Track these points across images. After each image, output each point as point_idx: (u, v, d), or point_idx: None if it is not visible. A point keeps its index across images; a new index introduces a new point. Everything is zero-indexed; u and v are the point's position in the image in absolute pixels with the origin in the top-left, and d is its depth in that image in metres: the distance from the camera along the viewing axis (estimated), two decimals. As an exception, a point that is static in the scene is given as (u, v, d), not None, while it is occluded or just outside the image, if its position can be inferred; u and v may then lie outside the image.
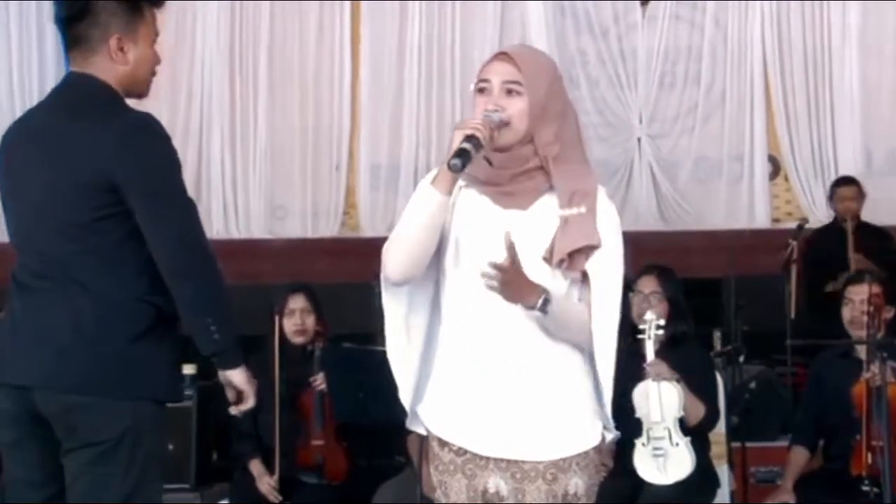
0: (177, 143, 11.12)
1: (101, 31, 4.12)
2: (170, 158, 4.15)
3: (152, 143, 4.12)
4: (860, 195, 9.50)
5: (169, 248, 4.06)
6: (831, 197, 9.61)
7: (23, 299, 4.14)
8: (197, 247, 4.14)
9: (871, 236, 9.32)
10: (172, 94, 11.08)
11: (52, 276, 4.09)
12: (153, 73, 4.30)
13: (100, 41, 4.12)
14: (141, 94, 4.28)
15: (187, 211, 4.14)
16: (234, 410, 4.35)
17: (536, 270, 3.36)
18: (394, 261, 3.40)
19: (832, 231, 9.30)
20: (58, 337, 4.04)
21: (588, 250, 3.36)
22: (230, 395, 4.30)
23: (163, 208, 4.07)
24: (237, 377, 4.27)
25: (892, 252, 9.09)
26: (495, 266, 3.25)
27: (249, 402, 4.31)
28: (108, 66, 4.14)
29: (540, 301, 3.31)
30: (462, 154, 3.24)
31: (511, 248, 3.26)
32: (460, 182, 3.41)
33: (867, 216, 10.14)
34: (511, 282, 3.28)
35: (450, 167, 3.25)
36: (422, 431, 3.57)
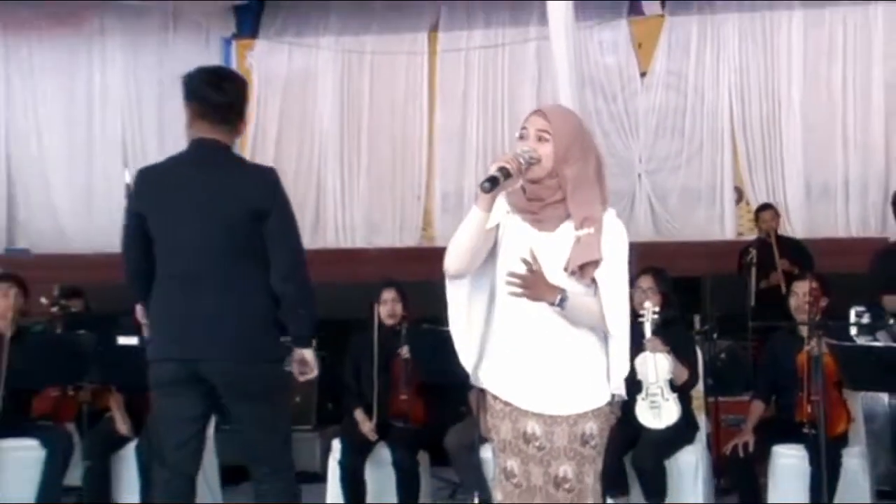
0: (301, 176, 11.17)
1: (239, 116, 4.46)
2: (287, 195, 4.44)
3: (280, 185, 4.41)
4: (776, 216, 9.53)
5: (287, 257, 4.33)
6: (756, 219, 9.60)
7: (185, 296, 4.30)
8: (302, 258, 4.41)
9: (790, 245, 9.31)
10: (299, 141, 11.17)
11: (209, 279, 4.28)
12: None
13: (237, 121, 4.45)
14: None
15: (298, 233, 4.43)
16: (301, 378, 4.56)
17: (560, 277, 3.38)
18: (449, 257, 3.45)
19: (761, 243, 9.24)
20: (218, 322, 4.24)
21: (594, 264, 3.36)
22: (297, 367, 4.51)
23: (288, 229, 4.35)
24: (308, 354, 4.51)
25: (807, 255, 9.04)
26: (514, 275, 3.31)
27: (314, 373, 4.55)
28: (232, 136, 4.46)
29: (557, 299, 3.33)
30: (492, 179, 3.28)
31: (533, 262, 3.32)
32: (507, 209, 3.45)
33: (808, 232, 10.15)
34: (532, 287, 3.31)
35: (481, 187, 3.30)
36: (482, 386, 3.59)
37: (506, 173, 3.29)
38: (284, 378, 4.52)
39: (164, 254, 4.36)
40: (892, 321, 6.71)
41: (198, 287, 4.29)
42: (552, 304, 3.34)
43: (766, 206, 9.66)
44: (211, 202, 4.31)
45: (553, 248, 3.38)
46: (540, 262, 3.37)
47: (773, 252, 9.12)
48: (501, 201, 3.43)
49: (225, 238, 4.31)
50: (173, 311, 4.34)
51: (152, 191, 4.44)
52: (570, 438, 3.40)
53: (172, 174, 4.46)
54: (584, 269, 3.36)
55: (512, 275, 3.33)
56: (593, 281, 3.39)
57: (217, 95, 4.43)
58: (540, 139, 3.42)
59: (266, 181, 4.42)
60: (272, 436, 4.46)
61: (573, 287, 3.38)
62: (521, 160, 3.34)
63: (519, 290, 3.33)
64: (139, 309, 6.65)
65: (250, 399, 4.34)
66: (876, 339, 6.51)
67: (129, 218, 4.50)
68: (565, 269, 3.37)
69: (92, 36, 11.92)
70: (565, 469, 3.40)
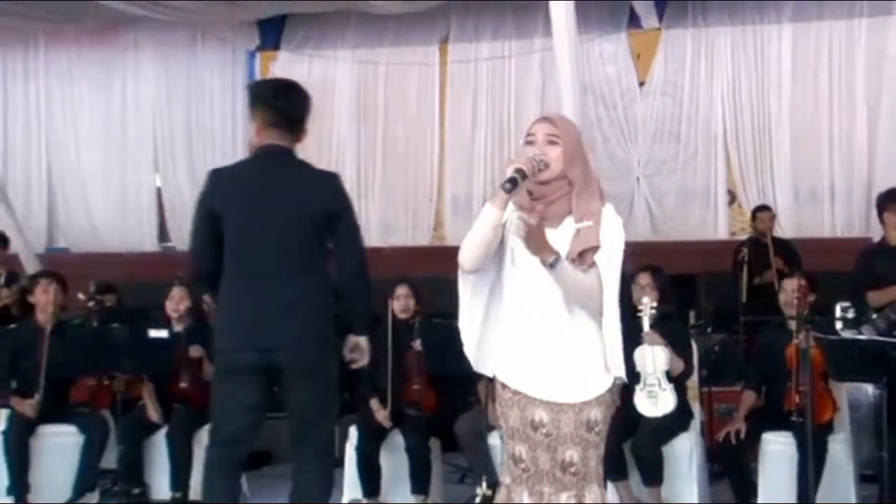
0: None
1: (302, 125, 4.53)
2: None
3: (345, 188, 4.55)
4: (772, 217, 9.51)
5: (357, 256, 4.47)
6: (753, 219, 9.57)
7: (259, 291, 4.36)
8: (366, 257, 4.54)
9: (781, 245, 9.28)
10: (318, 144, 11.16)
11: (281, 276, 4.37)
12: None
13: (300, 130, 4.51)
14: None
15: (361, 234, 4.57)
16: (355, 365, 4.65)
17: None
18: (465, 253, 3.43)
19: (756, 242, 9.23)
20: (291, 315, 4.34)
21: (592, 250, 3.36)
22: (349, 354, 4.63)
23: (355, 231, 4.50)
24: (364, 341, 4.60)
25: (796, 254, 9.04)
26: (522, 219, 3.31)
27: (366, 360, 4.65)
28: (294, 143, 4.50)
29: (552, 259, 3.32)
30: (512, 181, 3.27)
31: (538, 215, 3.29)
32: (512, 207, 3.43)
33: (797, 233, 10.14)
34: (534, 237, 3.31)
35: (503, 188, 3.28)
36: (489, 375, 3.58)
37: (522, 174, 3.30)
38: (338, 366, 4.60)
39: (238, 251, 4.42)
40: (874, 316, 6.69)
41: (271, 282, 4.36)
42: (545, 262, 3.33)
43: (763, 208, 9.63)
44: (285, 204, 4.39)
45: (556, 243, 3.38)
46: None
47: (765, 251, 9.11)
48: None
49: (296, 237, 4.40)
50: (248, 305, 4.39)
51: (227, 192, 4.49)
52: (575, 425, 3.40)
53: (245, 177, 4.53)
54: (583, 256, 3.36)
55: (520, 219, 3.33)
56: (591, 266, 3.38)
57: (288, 106, 4.51)
58: (550, 143, 3.43)
59: (334, 185, 4.53)
60: (327, 420, 4.59)
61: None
62: (534, 163, 3.35)
63: (523, 235, 3.33)
64: (168, 304, 6.74)
65: (315, 385, 4.43)
66: (860, 333, 6.48)
67: (202, 217, 4.49)
68: (567, 257, 3.37)
69: (126, 50, 12.01)
70: (571, 454, 3.39)
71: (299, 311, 4.36)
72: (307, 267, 4.41)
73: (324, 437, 4.56)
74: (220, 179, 4.55)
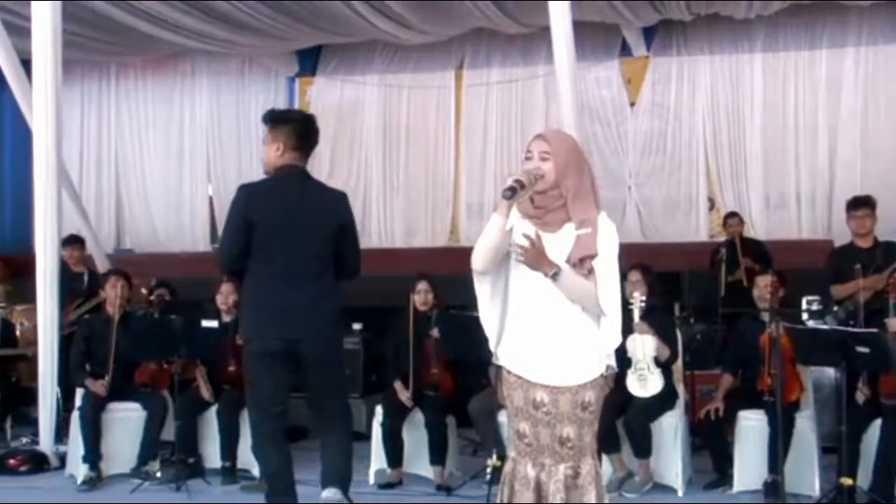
0: (350, 189, 11.01)
1: (313, 150, 4.69)
2: None
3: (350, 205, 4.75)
4: (741, 222, 9.44)
5: (357, 259, 4.64)
6: (724, 224, 9.52)
7: (287, 289, 4.44)
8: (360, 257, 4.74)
9: (751, 245, 9.20)
10: (349, 160, 11.16)
11: (305, 277, 4.46)
12: None
13: (311, 154, 4.66)
14: None
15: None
16: None
17: (563, 268, 3.33)
18: (476, 257, 3.40)
19: (732, 244, 9.16)
20: (313, 311, 4.46)
21: (591, 256, 3.33)
22: None
23: (357, 238, 4.69)
24: None
25: (767, 254, 8.93)
26: (519, 246, 3.28)
27: None
28: (306, 163, 4.61)
29: (552, 272, 3.29)
30: (511, 189, 3.26)
31: (536, 240, 3.28)
32: (518, 215, 3.41)
33: (768, 235, 10.09)
34: (533, 257, 3.28)
35: (503, 195, 3.27)
36: (499, 363, 3.54)
37: (520, 185, 3.28)
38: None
39: (271, 255, 4.49)
40: (836, 308, 6.68)
41: (296, 282, 4.44)
42: (546, 275, 3.30)
43: (732, 214, 9.60)
44: (310, 216, 4.50)
45: (556, 245, 3.35)
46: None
47: (737, 252, 9.05)
48: (513, 209, 3.40)
49: (318, 244, 4.50)
50: (277, 301, 4.45)
51: (262, 204, 4.55)
52: (572, 405, 3.37)
53: (276, 192, 4.59)
54: (583, 261, 3.33)
55: (517, 245, 3.31)
56: (590, 271, 3.35)
57: (312, 134, 4.66)
58: (543, 159, 3.40)
59: (345, 201, 4.71)
60: (342, 393, 4.78)
61: (574, 274, 3.35)
62: (531, 175, 3.33)
63: (522, 258, 3.30)
64: (218, 298, 6.76)
65: (332, 369, 4.57)
66: (823, 323, 6.48)
67: (239, 226, 4.52)
68: (567, 261, 3.34)
69: (184, 77, 12.06)
70: (568, 430, 3.36)
71: (320, 307, 4.47)
72: (325, 269, 4.53)
73: (340, 405, 4.70)
74: (253, 193, 4.61)
